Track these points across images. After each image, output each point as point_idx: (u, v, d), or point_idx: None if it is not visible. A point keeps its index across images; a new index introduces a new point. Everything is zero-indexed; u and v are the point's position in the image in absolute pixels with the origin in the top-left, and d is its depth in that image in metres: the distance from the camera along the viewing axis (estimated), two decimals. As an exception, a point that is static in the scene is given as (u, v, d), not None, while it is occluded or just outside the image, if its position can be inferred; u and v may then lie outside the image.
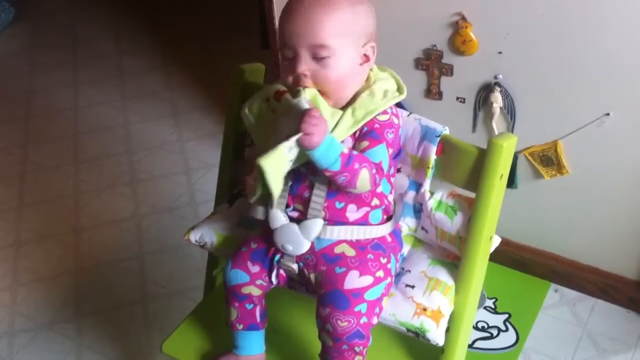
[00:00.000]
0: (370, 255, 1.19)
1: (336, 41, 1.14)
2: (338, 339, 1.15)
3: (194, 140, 2.62)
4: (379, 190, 1.20)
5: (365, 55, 1.18)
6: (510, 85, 1.67)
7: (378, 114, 1.17)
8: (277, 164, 1.09)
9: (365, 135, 1.16)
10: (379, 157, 1.15)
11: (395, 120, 1.20)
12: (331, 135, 1.11)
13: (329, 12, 1.13)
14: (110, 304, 2.00)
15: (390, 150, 1.18)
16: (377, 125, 1.17)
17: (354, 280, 1.16)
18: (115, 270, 2.10)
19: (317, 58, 1.14)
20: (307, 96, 1.14)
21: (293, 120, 1.09)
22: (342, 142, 1.14)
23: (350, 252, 1.19)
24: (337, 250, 1.19)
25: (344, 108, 1.17)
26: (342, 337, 1.14)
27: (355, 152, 1.13)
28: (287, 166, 1.11)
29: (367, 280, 1.16)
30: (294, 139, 1.07)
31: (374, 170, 1.14)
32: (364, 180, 1.13)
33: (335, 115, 1.16)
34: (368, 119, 1.16)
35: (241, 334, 1.28)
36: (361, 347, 1.16)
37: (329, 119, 1.14)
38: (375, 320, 1.18)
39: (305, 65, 1.15)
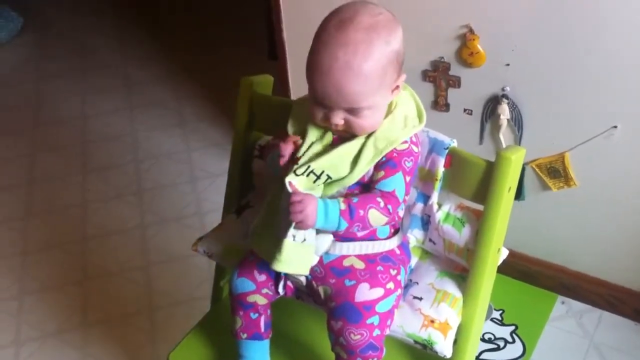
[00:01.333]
0: (379, 267, 1.18)
1: (371, 99, 1.09)
2: (352, 351, 1.15)
3: (200, 149, 2.62)
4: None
5: (397, 86, 1.14)
6: (518, 97, 1.67)
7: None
8: (292, 256, 1.12)
9: (382, 165, 1.14)
10: (393, 186, 1.14)
11: (415, 149, 1.17)
12: (322, 201, 1.10)
13: (360, 77, 1.06)
14: (116, 313, 2.00)
15: (408, 178, 1.16)
16: (395, 155, 1.14)
17: (364, 292, 1.16)
18: (122, 279, 2.11)
19: (353, 112, 1.10)
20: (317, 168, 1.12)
21: (286, 199, 1.10)
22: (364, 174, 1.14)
23: (359, 264, 1.18)
24: (346, 263, 1.19)
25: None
26: (355, 349, 1.14)
27: (354, 200, 1.11)
28: (300, 247, 1.13)
29: (378, 292, 1.16)
30: (291, 230, 1.11)
31: (382, 204, 1.12)
32: (375, 219, 1.13)
33: (356, 144, 1.14)
34: (389, 149, 1.14)
35: (245, 343, 1.27)
36: (375, 359, 1.16)
37: (351, 150, 1.13)
38: (387, 331, 1.18)
39: (339, 118, 1.11)
